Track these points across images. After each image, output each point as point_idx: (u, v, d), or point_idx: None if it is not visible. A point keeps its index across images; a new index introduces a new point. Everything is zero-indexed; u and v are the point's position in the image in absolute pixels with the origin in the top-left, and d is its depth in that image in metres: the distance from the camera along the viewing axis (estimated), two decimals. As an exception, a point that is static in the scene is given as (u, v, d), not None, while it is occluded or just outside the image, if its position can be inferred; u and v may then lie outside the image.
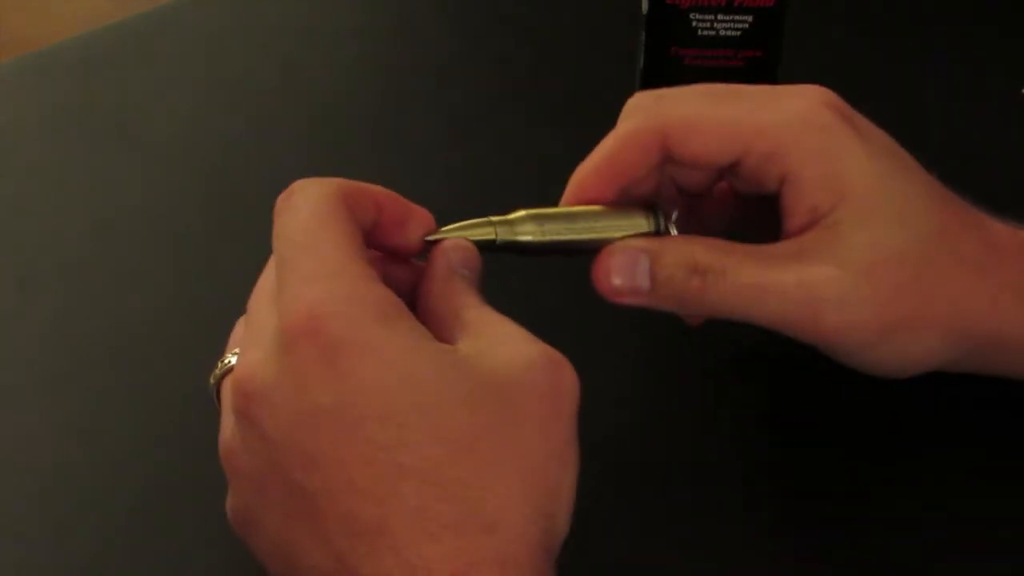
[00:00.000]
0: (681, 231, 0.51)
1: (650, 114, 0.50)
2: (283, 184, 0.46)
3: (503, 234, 0.49)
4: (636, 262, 0.49)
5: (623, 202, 0.50)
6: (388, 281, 0.45)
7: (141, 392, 0.56)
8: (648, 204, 0.51)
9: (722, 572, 0.50)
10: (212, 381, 0.47)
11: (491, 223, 0.49)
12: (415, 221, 0.48)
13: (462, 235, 0.48)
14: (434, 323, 0.45)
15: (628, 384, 0.56)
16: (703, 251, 0.49)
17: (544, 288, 0.58)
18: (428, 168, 0.66)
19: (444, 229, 0.48)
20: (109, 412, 0.55)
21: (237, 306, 0.48)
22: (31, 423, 0.55)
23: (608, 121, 0.51)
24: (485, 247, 0.48)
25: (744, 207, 0.54)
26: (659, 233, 0.50)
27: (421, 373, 0.41)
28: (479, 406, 0.41)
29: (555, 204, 0.51)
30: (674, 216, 0.50)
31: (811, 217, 0.49)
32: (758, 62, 0.63)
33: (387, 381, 0.41)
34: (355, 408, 0.41)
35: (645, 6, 0.62)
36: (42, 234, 0.64)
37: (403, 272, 0.48)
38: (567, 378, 0.43)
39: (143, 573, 0.50)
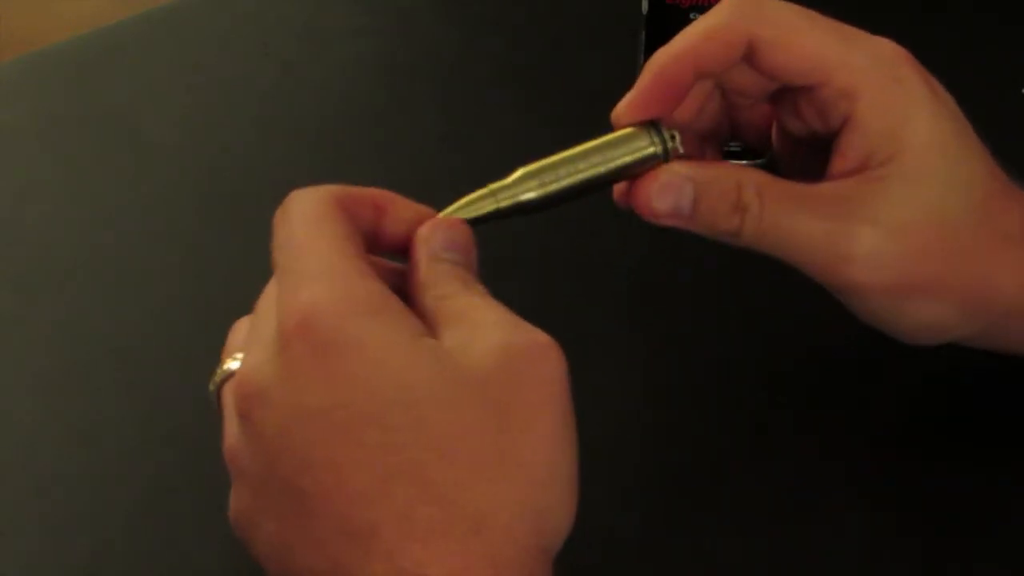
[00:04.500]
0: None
1: (746, 12, 0.49)
2: (283, 184, 0.46)
3: (505, 199, 0.48)
4: (680, 189, 0.48)
5: (621, 129, 0.49)
6: (400, 284, 0.44)
7: (141, 393, 0.56)
8: (649, 123, 0.49)
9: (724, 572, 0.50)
10: (212, 387, 0.47)
11: (491, 192, 0.48)
12: (418, 219, 0.47)
13: (464, 214, 0.47)
14: (423, 317, 0.44)
15: (634, 383, 0.56)
16: (747, 188, 0.49)
17: (546, 287, 0.58)
18: (428, 168, 0.66)
19: (445, 211, 0.47)
20: (109, 413, 0.55)
21: (237, 307, 0.48)
22: (32, 424, 0.55)
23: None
24: (492, 217, 0.48)
25: (785, 146, 0.53)
26: (665, 152, 0.49)
27: (406, 370, 0.41)
28: (462, 405, 0.41)
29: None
30: (678, 138, 0.49)
31: (862, 164, 0.49)
32: (758, 62, 0.62)
33: (375, 379, 0.41)
34: (345, 409, 0.41)
35: (645, 6, 0.62)
36: (42, 235, 0.64)
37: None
38: (551, 363, 0.42)
39: (143, 573, 0.50)
